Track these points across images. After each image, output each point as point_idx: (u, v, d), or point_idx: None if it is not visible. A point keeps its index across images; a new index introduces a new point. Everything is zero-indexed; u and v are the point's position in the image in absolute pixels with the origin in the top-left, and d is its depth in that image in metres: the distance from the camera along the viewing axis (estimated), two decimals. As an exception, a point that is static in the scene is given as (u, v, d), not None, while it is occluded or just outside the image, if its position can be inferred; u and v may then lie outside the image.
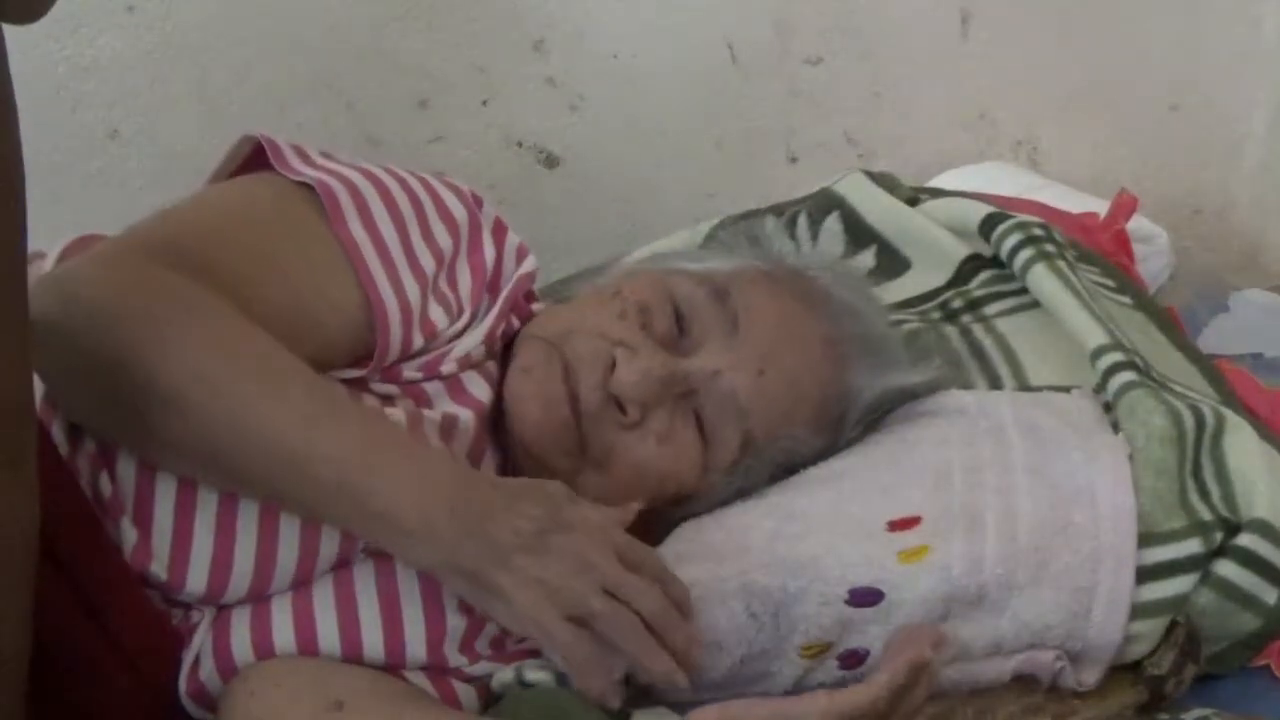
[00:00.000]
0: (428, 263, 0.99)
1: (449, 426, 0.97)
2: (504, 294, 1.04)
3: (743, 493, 1.03)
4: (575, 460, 0.99)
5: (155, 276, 0.87)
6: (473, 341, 1.01)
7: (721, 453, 1.01)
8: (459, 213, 1.03)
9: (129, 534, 0.89)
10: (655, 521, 1.00)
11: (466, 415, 0.98)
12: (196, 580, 0.89)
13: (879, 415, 1.09)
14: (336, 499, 0.85)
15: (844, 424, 1.06)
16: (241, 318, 0.87)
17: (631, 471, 0.99)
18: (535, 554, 0.85)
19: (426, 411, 0.96)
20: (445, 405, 0.98)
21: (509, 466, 1.01)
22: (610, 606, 0.85)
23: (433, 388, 0.98)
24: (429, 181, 1.03)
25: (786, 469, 1.04)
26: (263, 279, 0.92)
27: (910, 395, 1.09)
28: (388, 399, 0.97)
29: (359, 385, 0.96)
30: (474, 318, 1.02)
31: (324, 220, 0.95)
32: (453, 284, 1.02)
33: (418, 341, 0.97)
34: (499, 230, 1.07)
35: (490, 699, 0.95)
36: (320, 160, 1.00)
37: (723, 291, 1.04)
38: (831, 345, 1.05)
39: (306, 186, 0.96)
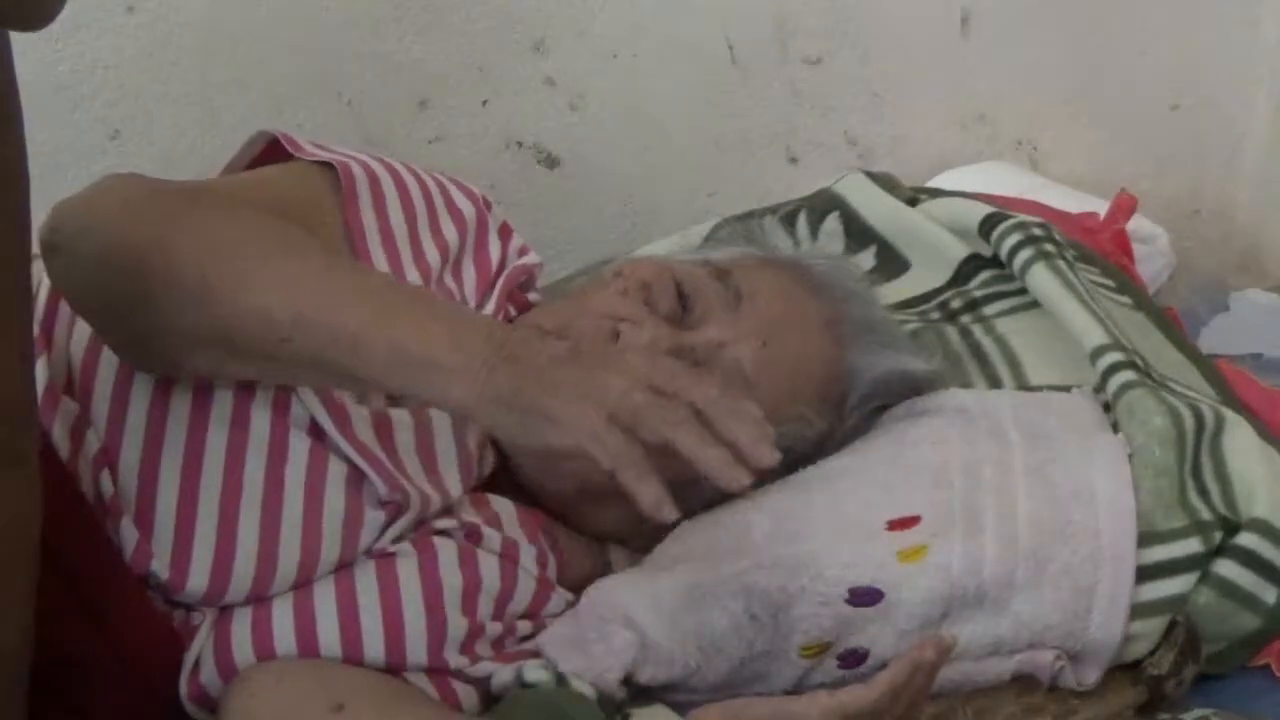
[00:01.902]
0: (433, 256, 0.99)
1: (461, 417, 0.97)
2: (500, 282, 1.04)
3: None
4: None
5: (167, 190, 0.88)
6: None
7: None
8: (468, 211, 1.04)
9: (130, 534, 0.89)
10: None
11: None
12: (197, 581, 0.89)
13: (879, 404, 1.09)
14: (366, 347, 0.81)
15: (844, 407, 1.06)
16: (251, 206, 0.87)
17: None
18: (575, 365, 0.80)
19: (430, 409, 0.96)
20: None
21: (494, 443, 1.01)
22: (654, 399, 0.78)
23: None
24: (441, 179, 1.04)
25: (787, 458, 1.04)
26: None
27: (910, 382, 1.09)
28: (392, 398, 0.97)
29: None
30: (477, 310, 1.03)
31: (338, 202, 0.96)
32: (458, 280, 1.02)
33: None
34: (505, 232, 1.07)
35: (490, 700, 0.95)
36: (337, 149, 1.01)
37: (724, 272, 1.05)
38: (832, 325, 1.05)
39: (326, 167, 0.97)
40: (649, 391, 0.79)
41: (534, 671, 0.93)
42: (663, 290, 1.03)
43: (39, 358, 0.90)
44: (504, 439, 0.84)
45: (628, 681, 0.93)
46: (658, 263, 1.07)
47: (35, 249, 0.74)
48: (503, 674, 0.94)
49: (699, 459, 0.77)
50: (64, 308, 0.94)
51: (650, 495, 0.77)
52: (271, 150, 1.00)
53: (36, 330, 0.91)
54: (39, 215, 0.73)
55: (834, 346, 1.05)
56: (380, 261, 0.96)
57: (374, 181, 0.98)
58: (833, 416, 1.06)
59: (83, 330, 0.92)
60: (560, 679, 0.92)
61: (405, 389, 0.83)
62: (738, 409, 0.79)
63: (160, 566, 0.89)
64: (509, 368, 0.80)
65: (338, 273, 0.85)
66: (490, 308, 1.03)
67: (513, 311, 1.06)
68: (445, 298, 1.00)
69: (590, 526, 1.04)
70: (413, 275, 0.97)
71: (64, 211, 0.86)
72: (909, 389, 1.09)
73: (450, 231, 1.02)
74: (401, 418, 0.96)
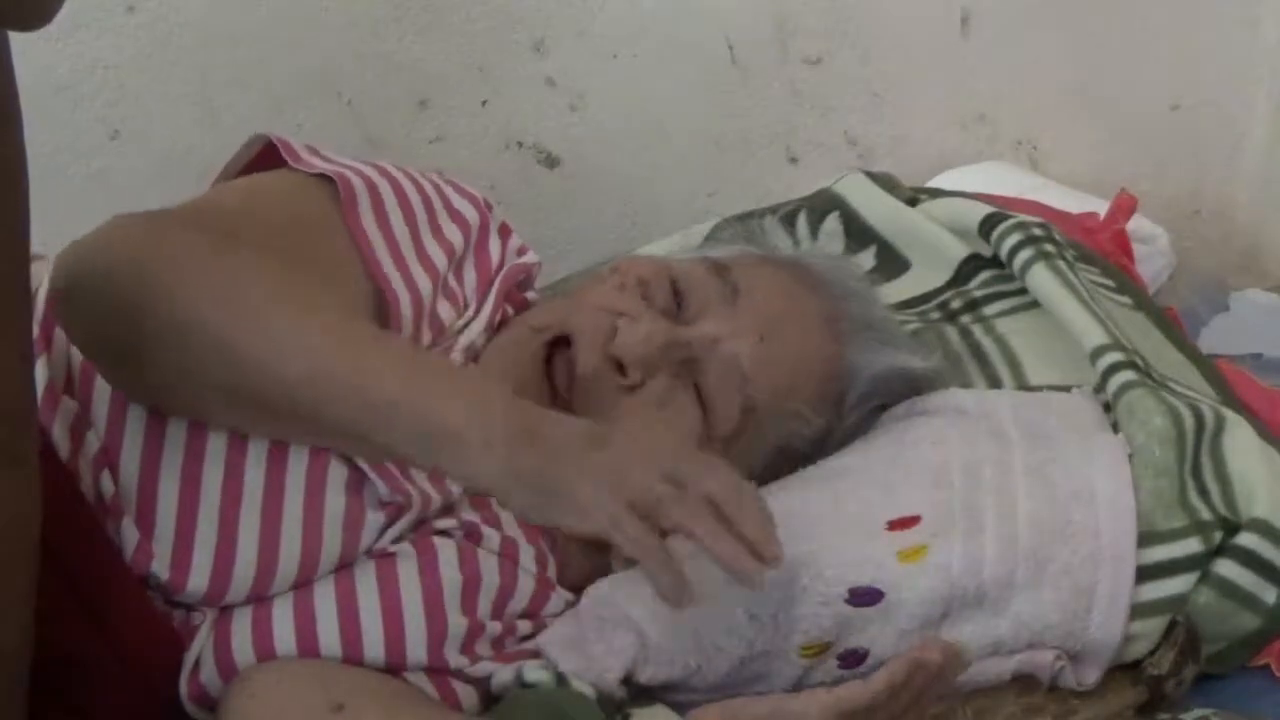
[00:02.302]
0: (439, 258, 1.00)
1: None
2: (498, 281, 1.04)
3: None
4: None
5: (186, 231, 0.87)
6: (475, 332, 1.01)
7: (722, 421, 1.00)
8: (469, 214, 1.04)
9: (130, 535, 0.88)
10: None
11: None
12: (198, 581, 0.89)
13: (879, 403, 1.09)
14: (388, 417, 0.82)
15: (843, 405, 1.06)
16: (270, 257, 0.86)
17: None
18: (596, 447, 0.83)
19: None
20: None
21: None
22: (672, 491, 0.81)
23: None
24: (438, 182, 1.04)
25: (786, 456, 1.04)
26: (281, 254, 0.91)
27: (910, 380, 1.09)
28: None
29: None
30: (476, 310, 1.03)
31: (339, 213, 0.96)
32: (460, 281, 1.02)
33: (426, 337, 0.98)
34: (504, 232, 1.08)
35: (490, 700, 0.95)
36: (333, 157, 1.01)
37: (723, 268, 1.05)
38: (831, 322, 1.05)
39: (323, 179, 0.97)
40: (667, 483, 0.81)
41: (534, 671, 0.93)
42: (660, 285, 1.03)
43: (39, 358, 0.90)
44: (520, 514, 0.86)
45: (628, 681, 0.93)
46: (655, 259, 1.07)
47: (35, 249, 0.74)
48: (503, 674, 0.94)
49: (715, 551, 0.80)
50: (52, 276, 0.94)
51: (670, 583, 0.81)
52: (268, 152, 1.00)
53: (36, 330, 0.91)
54: (38, 215, 0.73)
55: (833, 343, 1.05)
56: (389, 269, 0.96)
57: (372, 191, 0.98)
58: (831, 414, 1.06)
59: None
60: (560, 679, 0.92)
61: (429, 461, 0.85)
62: (747, 502, 0.82)
63: (161, 567, 0.88)
64: (531, 447, 0.82)
65: (363, 341, 0.85)
66: (488, 307, 1.03)
67: (510, 310, 1.06)
68: (450, 301, 1.00)
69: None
70: (422, 280, 0.97)
71: (76, 258, 0.84)
72: (908, 387, 1.09)
73: (454, 234, 1.02)
74: None
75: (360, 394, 0.83)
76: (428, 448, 0.83)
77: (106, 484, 0.89)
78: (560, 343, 1.01)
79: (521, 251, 1.08)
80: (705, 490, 0.82)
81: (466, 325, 1.02)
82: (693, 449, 0.86)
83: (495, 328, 1.04)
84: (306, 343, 0.83)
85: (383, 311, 0.95)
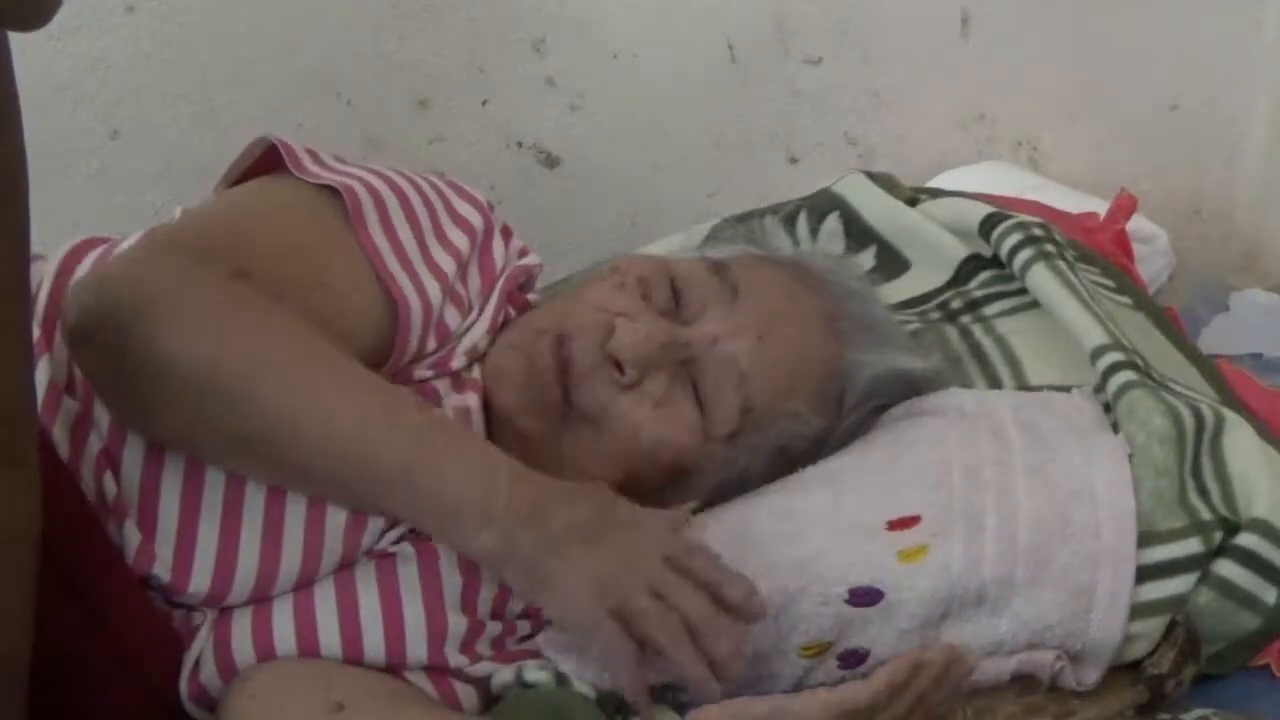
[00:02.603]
0: (447, 264, 1.00)
1: (463, 417, 0.98)
2: (500, 283, 1.04)
3: (743, 481, 1.03)
4: (554, 423, 0.99)
5: (202, 274, 0.87)
6: (478, 334, 1.01)
7: (720, 421, 1.01)
8: (474, 217, 1.04)
9: (132, 536, 0.88)
10: (653, 496, 1.00)
11: (474, 400, 0.99)
12: (199, 583, 0.89)
13: (878, 404, 1.09)
14: (397, 486, 0.85)
15: (842, 405, 1.06)
16: (289, 311, 0.87)
17: (625, 433, 0.98)
18: (589, 544, 0.85)
19: (436, 410, 0.97)
20: (452, 399, 0.99)
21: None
22: (654, 606, 0.85)
23: (442, 384, 0.99)
24: (440, 186, 1.04)
25: (786, 456, 1.04)
26: (298, 285, 0.92)
27: (910, 381, 1.09)
28: None
29: None
30: (479, 313, 1.03)
31: (347, 225, 0.96)
32: (465, 285, 1.03)
33: (431, 344, 0.98)
34: (505, 233, 1.08)
35: (490, 700, 0.95)
36: (334, 164, 1.01)
37: (722, 267, 1.05)
38: (831, 321, 1.05)
39: (328, 189, 0.97)
40: (652, 597, 0.84)
41: (534, 672, 0.93)
42: (659, 284, 1.03)
43: (40, 358, 0.90)
44: (512, 588, 0.89)
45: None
46: (655, 259, 1.07)
47: (35, 249, 0.74)
48: (503, 674, 0.94)
49: (683, 669, 0.84)
50: (64, 307, 0.94)
51: (630, 692, 0.86)
52: (270, 155, 1.00)
53: (37, 330, 0.91)
54: (38, 215, 0.73)
55: (832, 344, 1.05)
56: (400, 278, 0.96)
57: (378, 200, 0.98)
58: (830, 414, 1.06)
59: None
60: (560, 679, 0.92)
61: (431, 529, 0.88)
62: (720, 626, 0.85)
63: (162, 568, 0.89)
64: (530, 532, 0.85)
65: (375, 405, 0.87)
66: (490, 309, 1.03)
67: (511, 312, 1.06)
68: (456, 306, 1.00)
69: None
70: (432, 286, 0.98)
71: (91, 302, 0.84)
72: (908, 388, 1.09)
73: (460, 239, 1.02)
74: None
75: (369, 462, 0.85)
76: (429, 517, 0.86)
77: (109, 485, 0.89)
78: (562, 342, 1.01)
79: (523, 253, 1.08)
80: (684, 611, 0.85)
81: (469, 328, 1.02)
82: (681, 542, 0.88)
83: (497, 329, 1.04)
84: (319, 404, 0.85)
85: (394, 321, 0.95)
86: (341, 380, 0.87)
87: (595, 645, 0.86)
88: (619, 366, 0.98)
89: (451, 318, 1.00)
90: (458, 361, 1.00)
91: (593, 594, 0.84)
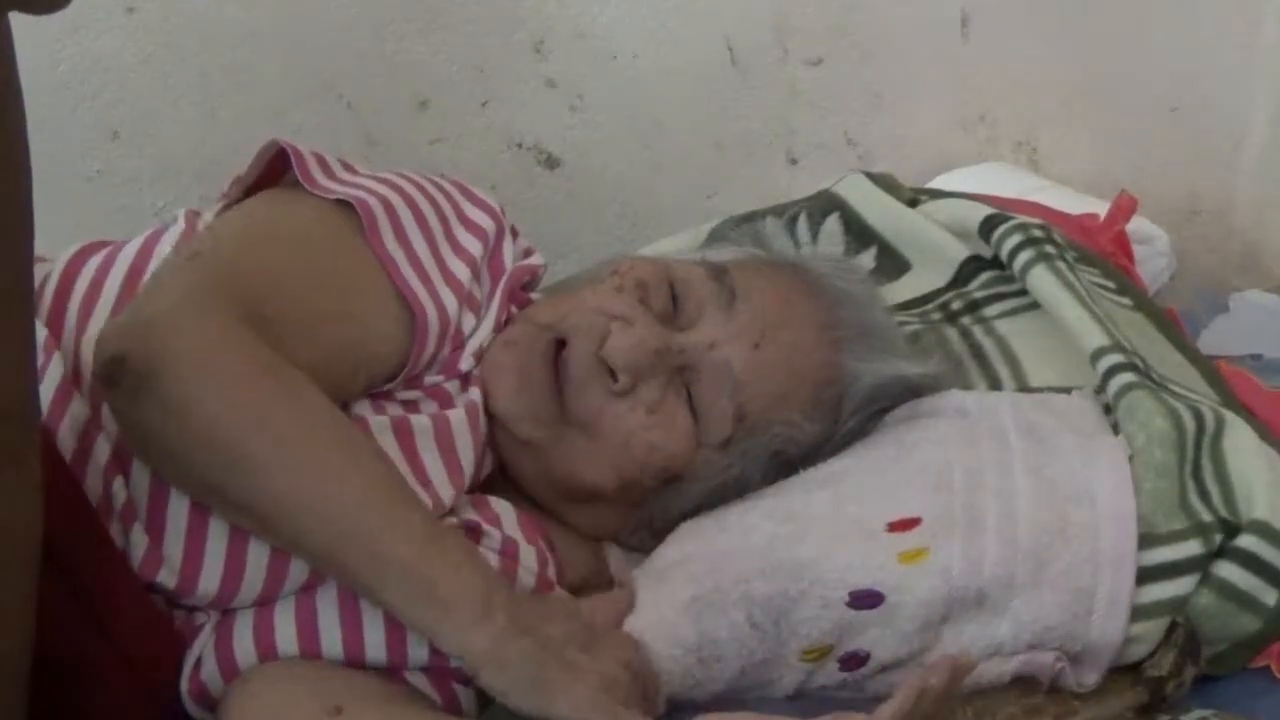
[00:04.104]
0: (462, 272, 1.00)
1: (473, 414, 0.98)
2: (503, 283, 1.04)
3: (739, 486, 1.03)
4: (550, 430, 0.99)
5: (234, 336, 0.86)
6: (484, 335, 1.02)
7: (714, 428, 1.01)
8: (486, 222, 1.04)
9: (139, 541, 0.89)
10: (648, 500, 1.00)
11: (480, 397, 1.00)
12: (207, 587, 0.89)
13: (877, 409, 1.09)
14: (399, 580, 0.85)
15: (840, 411, 1.06)
16: (318, 391, 0.87)
17: (618, 439, 0.99)
18: (587, 651, 0.86)
19: (449, 411, 0.97)
20: (462, 398, 1.00)
21: (490, 442, 1.02)
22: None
23: (452, 386, 0.99)
24: (451, 192, 1.04)
25: (782, 461, 1.04)
26: (325, 315, 0.93)
27: (909, 387, 1.09)
28: (411, 404, 0.98)
29: (383, 396, 0.97)
30: (485, 312, 1.03)
31: (364, 240, 0.96)
32: (480, 288, 1.03)
33: (445, 351, 0.98)
34: (513, 234, 1.08)
35: (489, 699, 0.95)
36: (343, 174, 1.01)
37: (720, 271, 1.05)
38: (829, 328, 1.05)
39: (342, 203, 0.97)
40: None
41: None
42: (658, 288, 1.03)
43: (51, 357, 0.91)
44: (502, 698, 0.87)
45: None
46: (654, 261, 1.07)
47: (37, 252, 0.74)
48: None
49: None
50: (72, 306, 0.95)
51: None
52: (280, 159, 1.00)
53: (44, 331, 0.92)
54: (37, 215, 0.73)
55: (830, 350, 1.05)
56: (418, 289, 0.97)
57: (390, 211, 0.98)
58: (827, 420, 1.05)
59: (94, 331, 0.93)
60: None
61: (416, 622, 0.87)
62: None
63: (169, 573, 0.89)
64: (526, 640, 0.84)
65: (393, 504, 0.87)
66: (495, 308, 1.03)
67: (514, 310, 1.07)
68: (472, 310, 1.01)
69: (585, 526, 1.04)
70: (447, 296, 0.98)
71: (126, 347, 0.84)
72: (908, 393, 1.09)
73: (473, 245, 1.02)
74: (420, 423, 0.96)
75: (377, 554, 0.85)
76: (425, 614, 0.85)
77: (118, 490, 0.89)
78: (561, 343, 1.01)
79: (528, 253, 1.09)
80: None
81: (476, 328, 1.02)
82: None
83: (501, 328, 1.04)
84: (334, 490, 0.85)
85: (411, 333, 0.96)
86: (358, 467, 0.87)
87: None
88: (612, 373, 0.98)
89: (468, 323, 1.00)
90: (466, 363, 1.00)
91: (606, 693, 0.84)
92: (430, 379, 0.99)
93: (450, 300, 0.98)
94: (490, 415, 1.00)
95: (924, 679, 0.80)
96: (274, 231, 0.98)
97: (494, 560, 0.96)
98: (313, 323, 0.91)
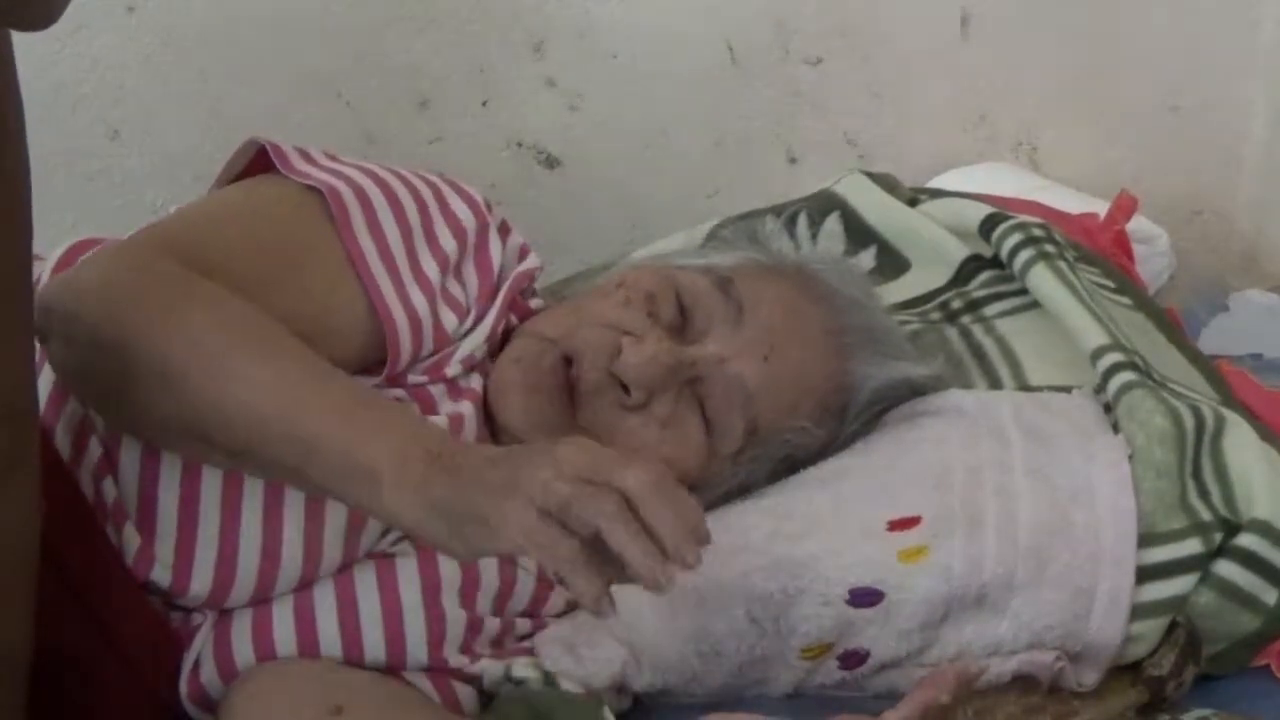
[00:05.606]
0: (432, 270, 0.99)
1: (456, 426, 0.97)
2: (503, 292, 1.04)
3: (745, 488, 1.03)
4: None
5: (160, 265, 0.87)
6: (475, 343, 1.01)
7: (726, 440, 1.01)
8: (467, 219, 1.03)
9: (132, 539, 0.88)
10: None
11: (469, 409, 0.99)
12: (200, 586, 0.89)
13: (881, 410, 1.09)
14: (321, 457, 0.80)
15: (846, 416, 1.06)
16: (239, 299, 0.86)
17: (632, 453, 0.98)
18: (506, 465, 0.77)
19: (433, 417, 0.96)
20: (448, 406, 0.98)
21: None
22: (582, 489, 0.73)
23: (436, 390, 0.99)
24: (437, 185, 1.03)
25: (789, 464, 1.04)
26: (272, 282, 0.91)
27: (913, 388, 1.09)
28: None
29: None
30: (478, 319, 1.03)
31: (332, 227, 0.95)
32: (461, 283, 1.02)
33: (428, 346, 0.98)
34: (504, 230, 1.07)
35: (488, 699, 0.95)
36: (325, 162, 1.00)
37: (726, 281, 1.04)
38: (835, 335, 1.05)
39: (314, 190, 0.96)
40: (576, 481, 0.74)
41: (522, 668, 0.93)
42: (666, 300, 1.03)
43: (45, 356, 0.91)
44: (440, 549, 0.81)
45: (624, 690, 0.94)
46: (661, 272, 1.06)
47: (35, 249, 0.74)
48: (493, 669, 0.94)
49: (625, 554, 0.72)
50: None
51: (587, 592, 0.73)
52: (263, 158, 1.00)
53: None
54: (37, 215, 0.73)
55: (836, 357, 1.05)
56: (384, 282, 0.96)
57: (365, 202, 0.97)
58: (834, 425, 1.06)
59: None
60: (547, 678, 0.92)
61: (347, 496, 0.82)
62: (670, 497, 0.74)
63: (163, 571, 0.89)
64: (446, 477, 0.77)
65: (307, 383, 0.84)
66: (491, 317, 1.02)
67: (514, 320, 1.06)
68: (452, 308, 1.00)
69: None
70: (415, 294, 0.97)
71: (52, 295, 0.85)
72: (911, 393, 1.10)
73: (449, 242, 1.01)
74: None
75: (294, 431, 0.81)
76: (346, 482, 0.80)
77: (108, 488, 0.89)
78: (569, 359, 1.01)
79: (523, 252, 1.08)
80: (619, 486, 0.74)
81: (468, 333, 1.01)
82: (616, 454, 0.78)
83: (498, 338, 1.04)
84: (257, 381, 0.82)
85: (375, 318, 0.95)
86: (272, 357, 0.84)
87: (532, 553, 0.74)
88: (625, 388, 0.98)
89: (449, 320, 0.99)
90: (453, 369, 0.99)
91: (518, 503, 0.74)
92: (414, 378, 0.98)
93: (419, 298, 0.97)
94: (498, 428, 1.00)
95: (933, 696, 0.80)
96: (230, 201, 0.98)
97: (493, 561, 0.95)
98: (255, 283, 0.89)
